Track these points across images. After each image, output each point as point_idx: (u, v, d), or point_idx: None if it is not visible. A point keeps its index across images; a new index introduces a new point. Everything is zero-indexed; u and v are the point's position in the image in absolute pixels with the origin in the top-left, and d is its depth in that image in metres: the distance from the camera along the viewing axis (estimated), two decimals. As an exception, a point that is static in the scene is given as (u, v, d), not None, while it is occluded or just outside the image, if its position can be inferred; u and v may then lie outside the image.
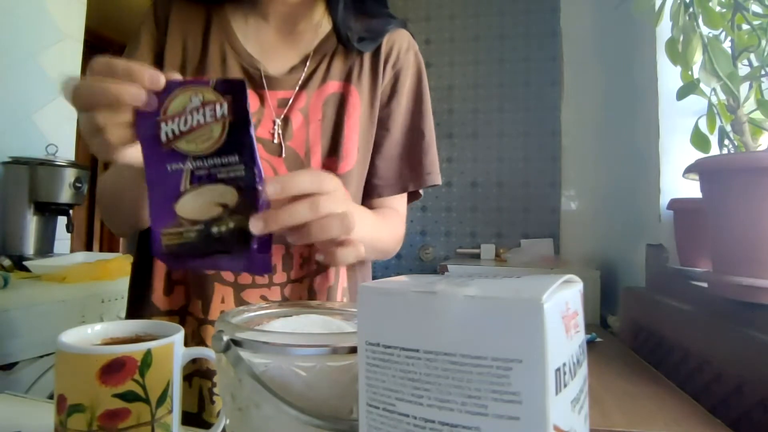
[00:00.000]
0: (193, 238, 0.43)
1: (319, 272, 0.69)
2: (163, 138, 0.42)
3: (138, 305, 0.69)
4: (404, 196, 0.79)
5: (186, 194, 0.43)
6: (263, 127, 0.68)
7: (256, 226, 0.41)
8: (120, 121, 0.42)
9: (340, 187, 0.49)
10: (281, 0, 0.70)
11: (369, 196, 0.76)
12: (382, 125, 0.75)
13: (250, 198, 0.42)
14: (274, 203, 0.44)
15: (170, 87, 0.42)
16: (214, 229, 0.42)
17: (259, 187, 0.42)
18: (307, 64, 0.72)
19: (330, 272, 0.70)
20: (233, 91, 0.42)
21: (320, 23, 0.74)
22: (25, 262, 1.41)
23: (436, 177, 0.77)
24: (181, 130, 0.42)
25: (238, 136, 0.42)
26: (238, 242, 0.42)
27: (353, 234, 0.49)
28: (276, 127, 0.68)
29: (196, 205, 0.43)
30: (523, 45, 2.73)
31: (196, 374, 0.66)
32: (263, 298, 0.67)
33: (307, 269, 0.69)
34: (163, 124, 0.42)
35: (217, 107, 0.42)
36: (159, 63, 0.71)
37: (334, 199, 0.46)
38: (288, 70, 0.72)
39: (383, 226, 0.73)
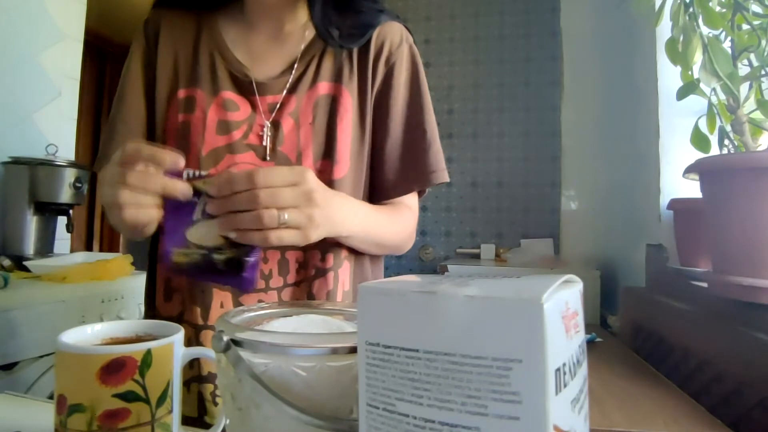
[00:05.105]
0: (197, 259, 0.52)
1: (318, 276, 0.68)
2: (185, 176, 0.53)
3: (148, 309, 0.72)
4: (414, 193, 0.76)
5: (197, 224, 0.52)
6: (254, 132, 0.68)
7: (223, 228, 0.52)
8: (148, 204, 0.52)
9: (306, 180, 0.53)
10: (263, 1, 0.70)
11: (378, 199, 0.73)
12: (381, 126, 0.72)
13: None
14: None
15: None
16: (215, 256, 0.52)
17: None
18: (295, 66, 0.70)
19: (329, 276, 0.69)
20: None
21: (307, 25, 0.73)
22: (25, 262, 1.40)
23: (441, 175, 0.73)
24: (200, 174, 0.56)
25: None
26: (233, 269, 0.52)
27: (342, 231, 0.60)
28: (266, 131, 0.68)
29: (204, 233, 0.52)
30: (523, 45, 2.73)
31: (194, 380, 0.66)
32: (261, 302, 0.67)
33: (305, 273, 0.68)
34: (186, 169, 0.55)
35: None
36: (151, 78, 0.72)
37: (279, 193, 0.51)
38: (277, 74, 0.71)
39: (386, 220, 0.71)
